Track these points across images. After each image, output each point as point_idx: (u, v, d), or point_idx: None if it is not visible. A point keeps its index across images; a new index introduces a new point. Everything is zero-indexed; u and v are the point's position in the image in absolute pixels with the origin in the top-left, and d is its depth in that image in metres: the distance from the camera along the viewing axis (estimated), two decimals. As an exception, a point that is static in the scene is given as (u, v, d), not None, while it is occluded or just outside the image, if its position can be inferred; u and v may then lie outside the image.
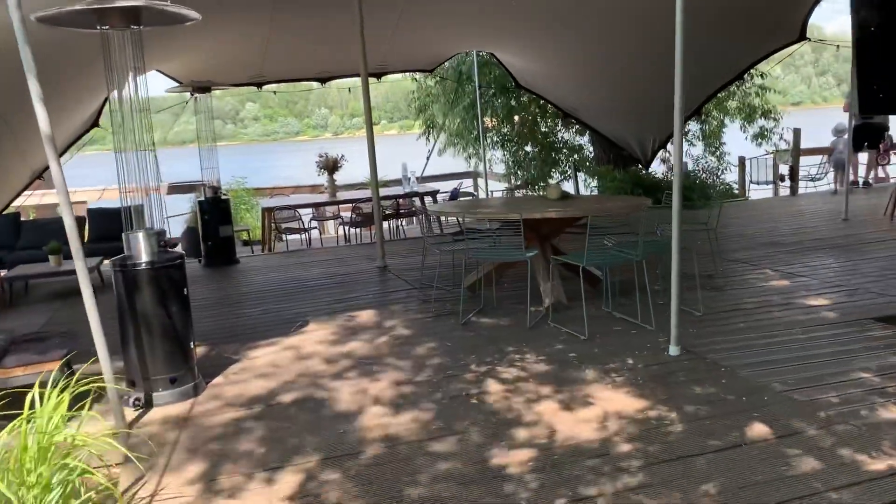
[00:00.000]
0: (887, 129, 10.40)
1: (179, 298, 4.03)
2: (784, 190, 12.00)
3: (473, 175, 14.20)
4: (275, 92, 10.84)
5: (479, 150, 13.07)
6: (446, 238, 6.45)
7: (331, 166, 10.23)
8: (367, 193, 9.88)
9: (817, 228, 8.09)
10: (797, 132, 11.72)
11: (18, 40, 3.15)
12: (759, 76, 12.58)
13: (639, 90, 9.43)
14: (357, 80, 8.09)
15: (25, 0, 3.26)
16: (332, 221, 11.30)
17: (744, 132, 13.24)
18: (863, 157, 11.43)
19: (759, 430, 3.24)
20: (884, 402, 3.44)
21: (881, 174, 11.81)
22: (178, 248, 9.53)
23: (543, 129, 13.70)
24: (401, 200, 10.39)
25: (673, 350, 4.25)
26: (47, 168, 7.03)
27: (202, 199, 8.29)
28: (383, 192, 9.66)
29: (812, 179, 11.55)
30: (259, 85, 9.98)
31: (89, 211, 9.35)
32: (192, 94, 8.34)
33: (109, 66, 3.84)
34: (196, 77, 8.33)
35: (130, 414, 3.84)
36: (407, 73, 12.73)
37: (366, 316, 5.57)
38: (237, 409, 3.86)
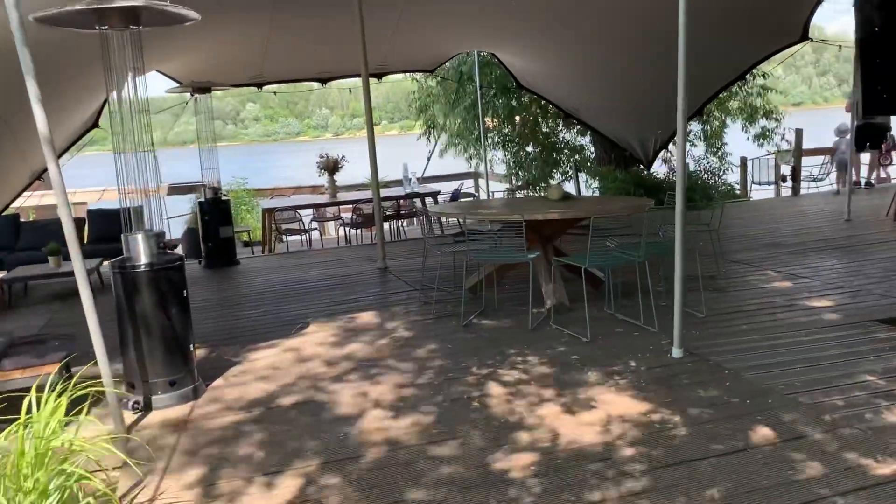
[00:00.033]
0: (889, 129, 10.37)
1: (179, 300, 4.00)
2: (786, 190, 11.96)
3: (474, 176, 14.17)
4: (275, 92, 10.82)
5: (480, 150, 13.04)
6: (447, 239, 6.42)
7: (331, 167, 10.20)
8: (367, 194, 9.86)
9: (820, 229, 8.06)
10: (799, 132, 11.69)
11: (17, 42, 3.13)
12: (762, 76, 12.54)
13: (639, 90, 9.41)
14: (357, 81, 8.07)
15: (25, 0, 3.23)
16: (332, 222, 11.28)
17: (745, 132, 13.20)
18: (865, 157, 11.39)
19: (763, 433, 3.21)
20: (889, 405, 3.41)
21: (883, 174, 11.78)
22: (178, 250, 9.51)
23: (545, 130, 13.67)
24: (401, 201, 10.36)
25: (676, 352, 4.22)
26: (47, 169, 7.02)
27: (202, 199, 8.26)
28: (384, 192, 9.63)
29: (814, 180, 11.52)
30: (259, 85, 9.95)
31: (89, 212, 9.34)
32: (192, 95, 8.32)
33: (108, 67, 3.82)
34: (196, 77, 8.31)
35: (129, 417, 3.82)
36: (408, 74, 12.70)
37: (366, 317, 5.54)
38: (237, 413, 3.83)
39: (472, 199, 12.34)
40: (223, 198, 8.28)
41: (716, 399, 3.61)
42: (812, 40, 8.71)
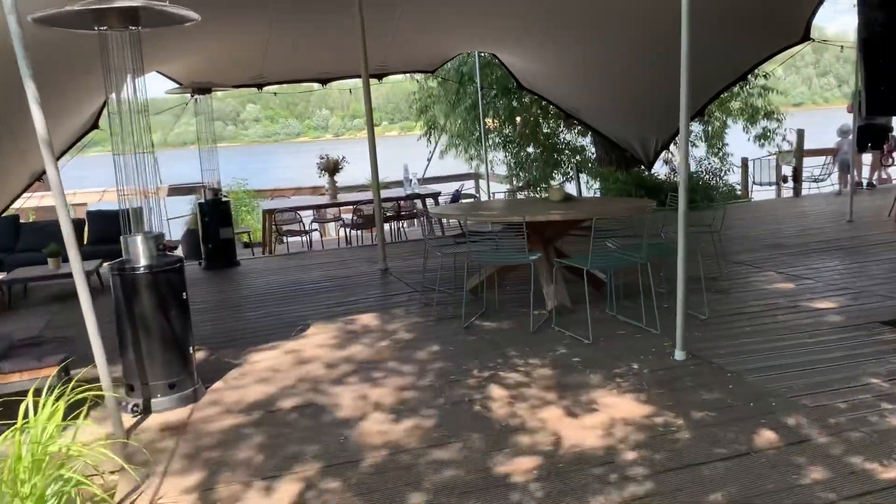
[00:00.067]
0: (891, 129, 10.34)
1: (178, 302, 3.97)
2: (787, 191, 11.93)
3: (475, 176, 14.14)
4: (275, 93, 10.79)
5: (481, 151, 13.02)
6: (448, 240, 6.40)
7: (332, 168, 10.18)
8: (368, 195, 9.84)
9: (822, 230, 8.03)
10: (801, 133, 11.66)
11: (14, 43, 3.10)
12: (763, 76, 12.52)
13: (639, 90, 9.39)
14: (358, 81, 8.05)
15: (24, 0, 3.21)
16: (332, 223, 11.26)
17: (746, 133, 13.18)
18: (867, 158, 11.36)
19: (767, 437, 3.18)
20: (894, 408, 3.38)
21: (884, 175, 11.75)
22: (178, 251, 9.49)
23: (545, 131, 13.64)
24: (402, 202, 10.34)
25: (679, 355, 4.19)
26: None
27: (202, 201, 8.24)
28: (384, 193, 9.60)
29: (815, 180, 11.49)
30: (259, 86, 9.93)
31: (89, 213, 9.32)
32: (192, 96, 8.30)
33: (107, 68, 3.79)
34: (196, 78, 8.29)
35: (128, 420, 3.79)
36: (408, 74, 12.68)
37: (367, 319, 5.52)
38: (236, 416, 3.80)
39: (472, 200, 12.31)
40: (223, 199, 8.26)
41: (719, 402, 3.58)
42: (814, 40, 8.68)
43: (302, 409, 3.83)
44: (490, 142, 13.41)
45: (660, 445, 3.17)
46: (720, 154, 13.13)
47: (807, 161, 11.67)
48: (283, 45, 8.39)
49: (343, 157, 10.33)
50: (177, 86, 8.42)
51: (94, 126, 8.60)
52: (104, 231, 8.38)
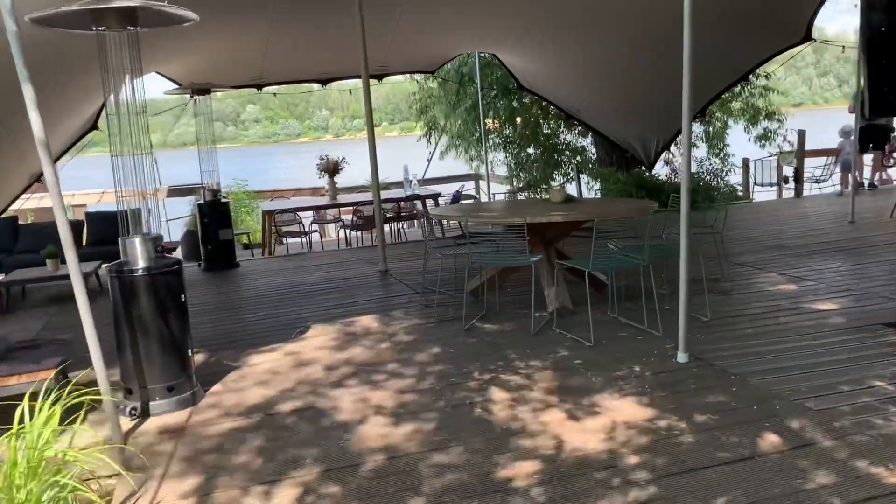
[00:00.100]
0: (892, 130, 10.31)
1: (177, 305, 3.94)
2: (788, 192, 11.90)
3: (475, 177, 14.11)
4: (275, 94, 10.76)
5: (481, 152, 12.99)
6: (448, 242, 6.36)
7: (331, 169, 10.15)
8: (368, 196, 9.81)
9: (823, 231, 8.00)
10: (802, 133, 11.63)
11: (11, 44, 3.07)
12: (765, 77, 12.49)
13: (640, 90, 9.36)
14: (358, 82, 8.01)
15: (21, 1, 3.18)
16: (332, 224, 11.23)
17: (747, 133, 13.15)
18: (867, 158, 11.33)
19: (771, 440, 3.15)
20: (899, 411, 3.35)
21: (885, 176, 11.72)
22: (177, 253, 9.46)
23: (546, 131, 13.61)
24: (402, 203, 10.31)
25: (681, 357, 4.16)
26: (45, 171, 6.96)
27: (202, 202, 8.21)
28: (384, 194, 9.58)
29: (816, 181, 11.46)
30: (259, 87, 9.91)
31: (87, 214, 9.30)
32: (191, 96, 8.27)
33: (106, 68, 3.77)
34: (195, 79, 8.26)
35: (127, 423, 3.76)
36: (408, 75, 12.65)
37: (367, 321, 5.49)
38: (235, 419, 3.77)
39: (473, 201, 12.28)
40: (222, 200, 8.23)
41: (722, 405, 3.55)
42: (815, 41, 8.65)
43: (301, 413, 3.80)
44: (490, 142, 13.39)
45: (663, 449, 3.14)
46: (721, 155, 13.10)
47: (807, 162, 11.65)
48: (283, 46, 8.37)
49: (343, 158, 10.30)
50: (176, 86, 8.39)
51: (94, 127, 8.57)
52: (103, 232, 8.35)
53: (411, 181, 10.56)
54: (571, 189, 12.80)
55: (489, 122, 13.30)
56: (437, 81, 13.48)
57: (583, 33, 8.61)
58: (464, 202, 11.22)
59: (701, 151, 13.18)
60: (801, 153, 11.61)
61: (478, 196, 13.44)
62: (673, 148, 11.76)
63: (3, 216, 8.47)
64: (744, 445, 3.12)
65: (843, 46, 9.58)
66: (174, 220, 10.92)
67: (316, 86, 10.53)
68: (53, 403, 2.58)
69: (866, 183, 11.23)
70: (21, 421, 2.50)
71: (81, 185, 13.67)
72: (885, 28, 4.21)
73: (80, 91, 7.19)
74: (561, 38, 8.93)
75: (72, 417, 2.93)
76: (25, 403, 2.54)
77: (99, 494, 2.65)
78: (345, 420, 3.66)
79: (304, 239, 10.21)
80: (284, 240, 10.41)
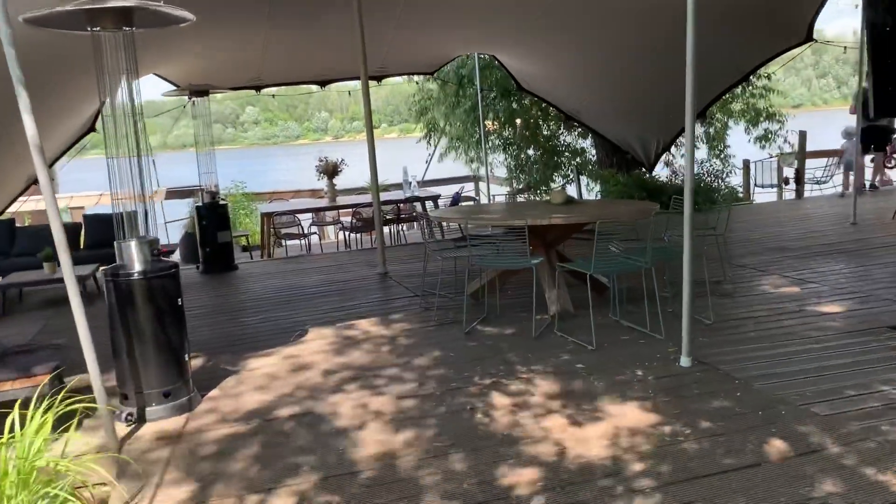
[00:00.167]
0: (894, 131, 10.26)
1: (173, 309, 3.89)
2: (789, 193, 11.86)
3: (475, 179, 14.06)
4: (273, 95, 10.72)
5: (481, 153, 12.94)
6: (448, 244, 6.31)
7: (331, 170, 10.10)
8: (367, 198, 9.75)
9: (825, 233, 7.95)
10: (803, 135, 11.59)
11: (4, 44, 3.02)
12: (766, 77, 12.45)
13: (639, 91, 9.32)
14: (357, 84, 7.97)
15: (15, 1, 3.13)
16: (331, 226, 11.17)
17: (748, 134, 13.11)
18: (869, 159, 11.28)
19: (777, 446, 3.10)
20: (906, 416, 3.30)
21: (885, 177, 11.67)
22: (176, 256, 9.41)
23: (545, 133, 13.57)
24: (402, 205, 10.26)
25: (684, 361, 4.11)
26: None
27: (200, 204, 8.16)
28: (384, 196, 9.53)
29: (818, 182, 11.41)
30: (258, 88, 9.86)
31: (85, 217, 9.24)
32: (189, 98, 8.22)
33: (101, 70, 3.71)
34: (194, 81, 8.21)
35: (122, 429, 3.71)
36: (407, 76, 12.61)
37: (366, 324, 5.44)
38: (232, 425, 3.72)
39: (473, 202, 12.23)
40: (221, 202, 8.18)
41: (727, 410, 3.50)
42: (816, 41, 8.61)
43: (299, 418, 3.75)
44: (490, 144, 13.34)
45: (667, 456, 3.08)
46: (722, 156, 13.06)
47: (808, 163, 11.60)
48: (282, 47, 8.32)
49: (342, 160, 10.25)
50: (174, 88, 8.34)
51: (91, 129, 8.52)
52: (101, 235, 8.28)
53: (411, 183, 10.50)
54: (571, 191, 12.75)
55: (489, 123, 13.25)
56: (436, 83, 13.44)
57: (582, 34, 8.57)
58: (463, 204, 11.17)
59: (701, 153, 13.13)
60: (803, 154, 11.57)
61: (477, 198, 13.39)
62: (673, 149, 11.71)
63: (0, 218, 8.42)
64: (750, 452, 3.07)
65: (845, 47, 9.54)
66: (172, 223, 10.87)
67: (315, 87, 10.48)
68: (46, 411, 2.52)
69: (867, 184, 11.18)
70: (12, 430, 2.44)
71: (80, 187, 13.60)
72: (889, 28, 4.17)
73: (80, 91, 7.14)
74: (560, 39, 8.89)
75: (66, 425, 2.88)
76: (16, 412, 2.48)
77: (93, 503, 2.60)
78: (344, 426, 3.61)
79: (302, 241, 10.15)
80: (283, 242, 10.35)
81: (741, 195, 12.34)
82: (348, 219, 10.24)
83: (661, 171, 12.05)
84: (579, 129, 12.93)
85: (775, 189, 12.00)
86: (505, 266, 5.38)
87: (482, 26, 8.87)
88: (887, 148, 10.44)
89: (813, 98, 62.52)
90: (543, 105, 12.39)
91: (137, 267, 3.78)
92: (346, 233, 10.22)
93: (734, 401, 3.60)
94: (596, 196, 12.43)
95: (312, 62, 9.23)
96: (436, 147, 14.25)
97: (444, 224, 9.25)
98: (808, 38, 8.25)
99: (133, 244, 3.78)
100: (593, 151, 13.30)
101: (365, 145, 7.19)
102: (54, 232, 3.23)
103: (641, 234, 5.50)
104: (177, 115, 11.04)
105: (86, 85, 6.89)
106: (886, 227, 8.04)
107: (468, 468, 3.09)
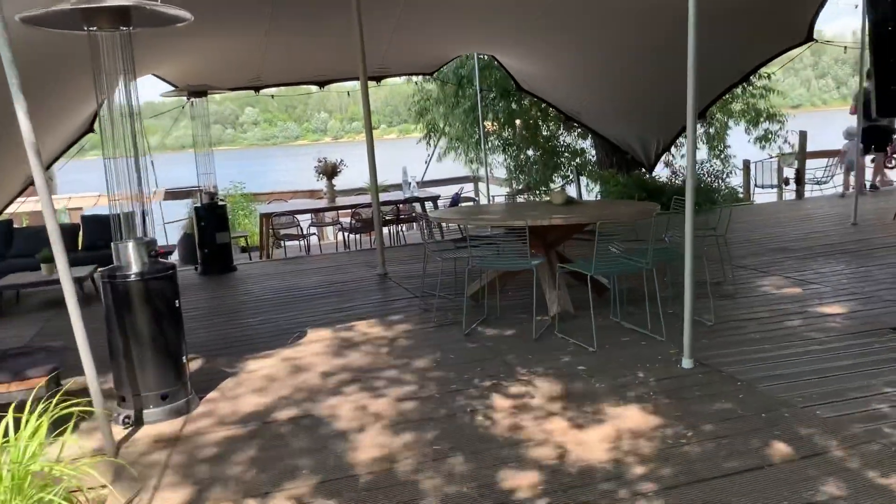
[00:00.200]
0: (895, 131, 10.24)
1: (171, 311, 3.86)
2: (789, 194, 11.83)
3: (474, 180, 14.03)
4: (272, 96, 10.69)
5: (480, 154, 12.91)
6: (448, 245, 6.28)
7: (330, 171, 10.07)
8: (366, 199, 9.72)
9: (826, 233, 7.93)
10: (803, 135, 11.56)
11: (1, 48, 2.99)
12: (767, 77, 12.43)
13: (639, 91, 9.29)
14: (356, 84, 7.95)
15: (10, 1, 3.10)
16: (331, 227, 11.14)
17: (748, 135, 13.08)
18: (869, 159, 11.25)
19: (781, 449, 3.07)
20: (910, 418, 3.27)
21: (886, 178, 11.64)
22: (174, 257, 9.38)
23: (545, 133, 13.54)
24: (401, 206, 10.23)
25: (686, 363, 4.08)
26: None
27: (198, 205, 8.13)
28: (383, 197, 9.50)
29: (818, 183, 11.38)
30: (256, 89, 9.83)
31: (83, 218, 9.20)
32: (188, 99, 8.19)
33: (98, 70, 3.68)
34: (192, 81, 8.18)
35: (120, 432, 3.67)
36: (406, 77, 12.58)
37: (365, 326, 5.40)
38: (230, 428, 3.69)
39: (472, 203, 12.20)
40: (219, 203, 8.15)
41: (729, 412, 3.47)
42: (816, 41, 8.59)
43: (298, 421, 3.71)
44: (489, 144, 13.31)
45: (669, 459, 3.05)
46: (722, 156, 13.03)
47: (808, 163, 11.57)
48: (281, 47, 8.29)
49: (341, 160, 10.22)
50: (172, 88, 8.31)
51: (90, 129, 8.48)
52: (98, 236, 8.26)
53: (410, 183, 10.47)
54: (571, 191, 12.72)
55: (488, 124, 13.22)
56: (435, 83, 13.41)
57: (582, 34, 8.54)
58: (463, 205, 11.14)
59: (701, 153, 13.11)
60: (803, 154, 11.54)
61: (477, 198, 13.36)
62: (673, 149, 11.69)
63: (-2, 219, 8.39)
64: (752, 455, 3.04)
65: (846, 47, 9.52)
66: (171, 223, 10.84)
67: (314, 88, 10.45)
68: (41, 415, 2.49)
69: (867, 185, 11.15)
70: (6, 434, 2.41)
71: (79, 188, 13.57)
72: (892, 27, 4.14)
73: (80, 92, 7.11)
74: (560, 39, 8.86)
75: (62, 428, 2.85)
76: (10, 416, 2.45)
77: (89, 508, 2.57)
78: (342, 429, 3.58)
79: (302, 242, 10.12)
80: (282, 243, 10.32)
81: (741, 196, 12.31)
82: (347, 219, 10.21)
83: (660, 172, 12.03)
84: (579, 130, 12.90)
85: (775, 189, 11.97)
86: (505, 267, 5.35)
87: (482, 26, 8.84)
88: (888, 148, 10.41)
89: (812, 98, 62.53)
90: (543, 105, 12.36)
91: (135, 268, 3.75)
92: (346, 233, 10.19)
93: (736, 403, 3.57)
94: (596, 197, 12.40)
95: (311, 62, 9.20)
96: (435, 147, 14.22)
97: (444, 225, 9.22)
98: (809, 37, 8.23)
99: (130, 245, 3.75)
100: (593, 152, 13.27)
101: (364, 146, 7.16)
102: (50, 233, 3.20)
103: (642, 234, 5.47)
104: (176, 115, 11.01)
105: (86, 85, 6.84)
106: (887, 227, 8.02)
107: (468, 472, 3.06)
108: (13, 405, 2.52)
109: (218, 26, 6.93)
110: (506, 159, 13.68)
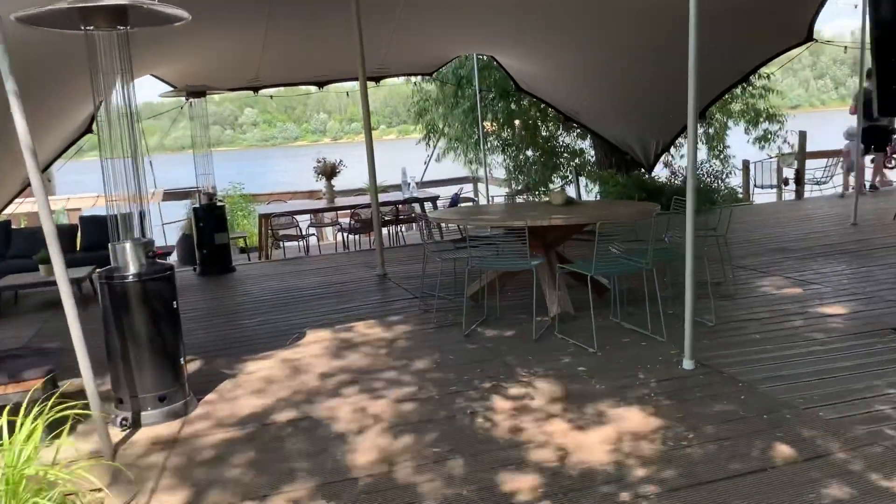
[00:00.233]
0: (895, 131, 10.22)
1: (168, 312, 3.83)
2: (789, 194, 11.82)
3: (474, 180, 14.01)
4: (272, 97, 10.66)
5: (480, 154, 12.89)
6: (447, 245, 6.25)
7: (329, 172, 10.04)
8: (365, 199, 9.70)
9: (826, 233, 7.91)
10: (803, 135, 11.55)
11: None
12: (766, 77, 12.41)
13: (639, 91, 9.27)
14: (355, 85, 7.93)
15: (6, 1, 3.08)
16: (330, 228, 11.11)
17: (748, 135, 13.07)
18: (869, 160, 11.23)
19: (783, 451, 3.05)
20: (913, 420, 3.25)
21: (885, 178, 11.63)
22: (173, 257, 9.35)
23: (544, 134, 13.52)
24: (400, 206, 10.21)
25: (687, 364, 4.06)
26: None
27: (197, 205, 8.10)
28: (382, 197, 9.48)
29: (818, 183, 11.37)
30: (255, 89, 9.80)
31: (81, 219, 9.18)
32: (187, 99, 8.16)
33: (95, 70, 3.66)
34: (191, 81, 8.15)
35: (117, 434, 3.65)
36: (405, 77, 12.56)
37: (365, 327, 5.38)
38: (229, 430, 3.66)
39: (472, 204, 12.18)
40: (218, 203, 8.12)
41: (731, 414, 3.45)
42: (816, 41, 8.57)
43: (297, 423, 3.69)
44: (488, 145, 13.29)
45: (671, 461, 3.03)
46: (721, 156, 13.02)
47: (808, 163, 11.56)
48: (280, 48, 8.27)
49: (340, 161, 10.20)
50: (170, 89, 8.29)
51: (88, 130, 8.45)
52: (97, 237, 8.23)
53: (409, 184, 10.45)
54: (570, 191, 12.70)
55: (487, 124, 13.20)
56: (435, 84, 13.39)
57: (582, 34, 8.52)
58: (462, 205, 11.12)
59: (701, 153, 13.08)
60: (802, 155, 11.52)
61: (476, 199, 13.34)
62: (672, 150, 11.67)
63: (-5, 220, 8.36)
64: (755, 457, 3.02)
65: (846, 47, 9.50)
66: (170, 224, 10.81)
67: (313, 88, 10.43)
68: (36, 417, 2.46)
69: (867, 185, 11.14)
70: (0, 437, 2.38)
71: (78, 189, 13.54)
72: (894, 27, 4.12)
73: (79, 92, 7.07)
74: (560, 39, 8.84)
75: (58, 430, 2.82)
76: (4, 419, 2.43)
77: (85, 511, 2.54)
78: (341, 431, 3.55)
79: (301, 243, 10.09)
80: (281, 243, 10.30)
81: (741, 196, 12.30)
82: (347, 220, 10.19)
83: (660, 172, 12.01)
84: (578, 130, 12.89)
85: (775, 190, 11.96)
86: (505, 267, 5.33)
87: (482, 26, 8.82)
88: (887, 148, 10.40)
89: (811, 99, 62.56)
90: (542, 106, 12.34)
91: (132, 269, 3.72)
92: (345, 234, 10.16)
93: (738, 404, 3.55)
94: (595, 197, 12.38)
95: (310, 63, 9.18)
96: (434, 148, 14.20)
97: (443, 225, 9.20)
98: (809, 37, 8.21)
99: (128, 246, 3.73)
100: (592, 152, 13.25)
101: (363, 146, 7.14)
102: (46, 233, 3.18)
103: (642, 235, 5.45)
104: (174, 116, 10.99)
105: (85, 85, 6.83)
106: (887, 227, 8.00)
107: (468, 474, 3.04)
108: (8, 407, 2.49)
109: (216, 26, 6.91)
110: (505, 160, 13.66)
